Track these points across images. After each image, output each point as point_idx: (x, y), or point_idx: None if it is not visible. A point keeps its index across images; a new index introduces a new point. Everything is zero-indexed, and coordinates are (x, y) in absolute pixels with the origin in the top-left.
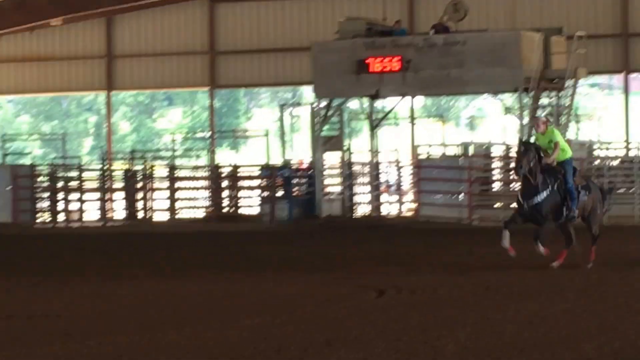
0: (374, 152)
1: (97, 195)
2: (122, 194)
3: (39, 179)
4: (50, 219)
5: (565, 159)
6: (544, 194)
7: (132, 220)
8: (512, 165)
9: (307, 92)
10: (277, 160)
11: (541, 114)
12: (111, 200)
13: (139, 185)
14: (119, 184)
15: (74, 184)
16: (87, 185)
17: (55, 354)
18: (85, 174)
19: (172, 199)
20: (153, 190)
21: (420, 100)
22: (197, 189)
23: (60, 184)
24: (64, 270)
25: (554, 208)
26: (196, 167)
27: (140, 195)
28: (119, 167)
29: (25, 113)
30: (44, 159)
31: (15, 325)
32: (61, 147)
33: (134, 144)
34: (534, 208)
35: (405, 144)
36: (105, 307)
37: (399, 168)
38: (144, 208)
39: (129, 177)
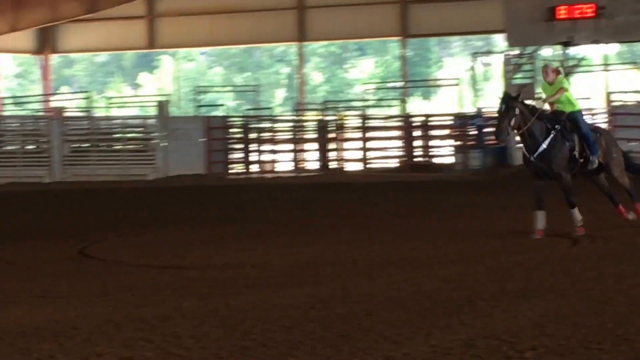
0: None
1: (290, 146)
2: (314, 145)
3: (232, 130)
4: (243, 169)
5: (573, 110)
6: (548, 140)
7: (324, 170)
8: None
9: (499, 40)
10: (469, 109)
11: None
12: (303, 150)
13: (331, 135)
14: (311, 135)
15: (266, 135)
16: (280, 136)
17: (250, 303)
18: (277, 125)
19: (364, 149)
20: (345, 140)
21: (614, 47)
22: (389, 138)
23: (253, 135)
24: (258, 220)
25: (564, 154)
26: (388, 117)
27: (332, 145)
28: (311, 118)
29: (218, 65)
30: (237, 110)
31: (210, 275)
32: (254, 98)
33: (326, 95)
34: (540, 158)
35: (599, 92)
36: (298, 258)
37: (592, 116)
38: (336, 158)
39: (321, 127)
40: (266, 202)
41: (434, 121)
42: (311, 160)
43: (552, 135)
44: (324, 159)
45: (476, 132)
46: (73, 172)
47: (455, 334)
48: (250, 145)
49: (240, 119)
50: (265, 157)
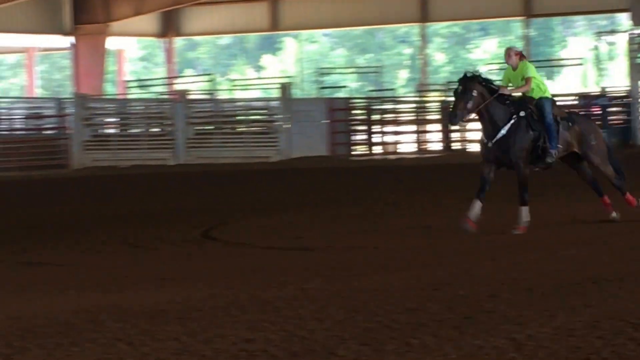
0: None
1: (413, 127)
2: (437, 126)
3: (354, 112)
4: (366, 151)
5: (542, 97)
6: (508, 126)
7: (447, 151)
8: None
9: (623, 19)
10: (593, 89)
11: None
12: (426, 131)
13: None
14: (434, 116)
15: (389, 116)
16: (403, 117)
17: (373, 284)
18: (400, 106)
19: None
20: (468, 121)
21: None
22: None
23: (375, 117)
24: (380, 202)
25: (524, 144)
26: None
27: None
28: (433, 99)
29: (341, 46)
30: (359, 91)
31: (333, 256)
32: (376, 79)
33: (448, 75)
34: (498, 145)
35: None
36: (421, 239)
37: None
38: (460, 139)
39: (444, 108)
40: (389, 183)
41: (558, 101)
42: (434, 141)
43: (512, 122)
44: (446, 140)
45: (600, 112)
46: (197, 155)
47: (579, 316)
48: (373, 127)
49: (363, 100)
50: (388, 138)
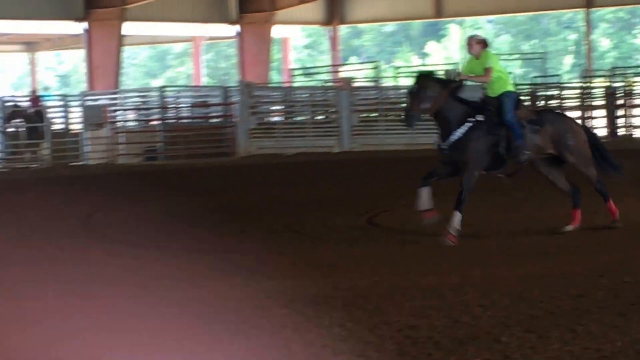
0: None
1: (577, 112)
2: (602, 112)
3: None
4: None
5: (503, 91)
6: (464, 128)
7: (613, 137)
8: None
9: None
10: None
11: None
12: (591, 117)
13: (620, 102)
14: (599, 102)
15: (554, 102)
16: (567, 103)
17: (537, 270)
18: (565, 92)
19: None
20: (634, 107)
21: None
22: None
23: (540, 103)
24: (545, 187)
25: (481, 148)
26: None
27: (621, 112)
28: (599, 85)
29: (505, 33)
30: (524, 78)
31: (497, 242)
32: (541, 65)
33: (614, 61)
34: (453, 149)
35: None
36: (585, 225)
37: None
38: (625, 125)
39: (609, 94)
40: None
41: None
42: (599, 127)
43: (469, 125)
44: (612, 126)
45: None
46: (361, 142)
47: None
48: None
49: (528, 86)
50: None
